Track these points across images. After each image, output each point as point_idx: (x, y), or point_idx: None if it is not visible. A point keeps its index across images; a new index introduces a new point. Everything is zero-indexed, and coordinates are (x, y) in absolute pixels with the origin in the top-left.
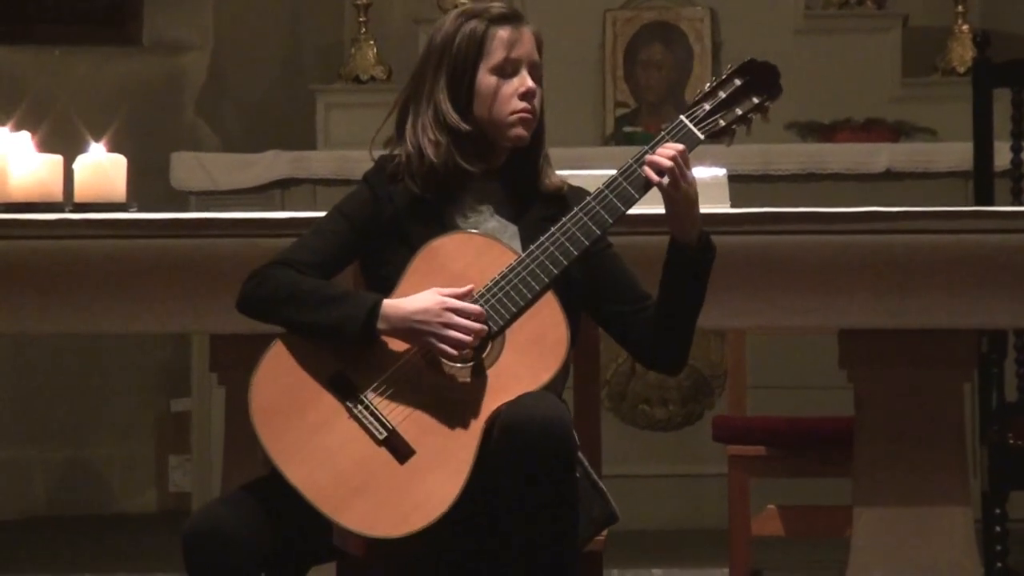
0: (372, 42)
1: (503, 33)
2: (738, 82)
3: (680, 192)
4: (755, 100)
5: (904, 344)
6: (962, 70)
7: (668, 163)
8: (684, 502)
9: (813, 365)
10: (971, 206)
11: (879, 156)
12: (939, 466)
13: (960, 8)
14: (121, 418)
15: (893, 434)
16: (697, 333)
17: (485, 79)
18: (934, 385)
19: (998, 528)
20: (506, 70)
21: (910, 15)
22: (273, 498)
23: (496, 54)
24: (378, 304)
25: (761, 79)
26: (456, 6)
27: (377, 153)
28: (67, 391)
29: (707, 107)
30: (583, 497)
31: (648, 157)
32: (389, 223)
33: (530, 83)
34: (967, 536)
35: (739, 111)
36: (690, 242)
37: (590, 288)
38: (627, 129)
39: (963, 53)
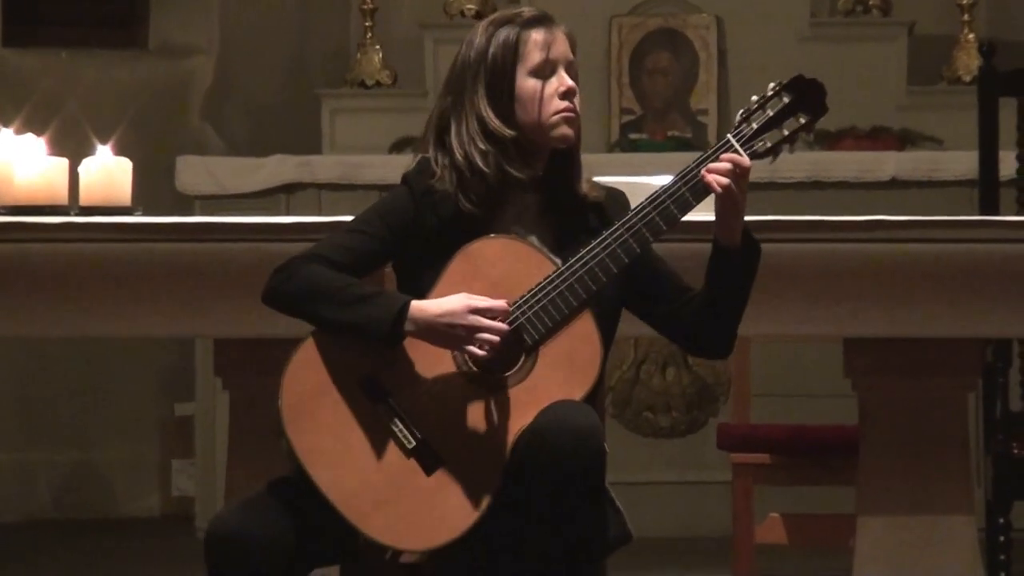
0: (378, 47)
1: (537, 35)
2: (786, 99)
3: (732, 200)
4: (801, 120)
5: (909, 353)
6: (968, 79)
7: (724, 179)
8: (687, 510)
9: (817, 373)
10: (976, 215)
11: (885, 164)
12: (943, 475)
13: (966, 17)
14: (125, 422)
15: (897, 443)
16: None
17: (525, 83)
18: (938, 394)
19: (1002, 538)
20: (544, 71)
21: (916, 24)
22: (296, 500)
23: (532, 56)
24: (406, 305)
25: (808, 97)
26: (462, 12)
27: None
28: (71, 394)
29: (755, 126)
30: (603, 515)
31: (709, 167)
32: (430, 232)
33: (569, 82)
34: (971, 546)
35: (785, 131)
36: (735, 245)
37: (636, 293)
38: (632, 136)
39: (969, 62)
